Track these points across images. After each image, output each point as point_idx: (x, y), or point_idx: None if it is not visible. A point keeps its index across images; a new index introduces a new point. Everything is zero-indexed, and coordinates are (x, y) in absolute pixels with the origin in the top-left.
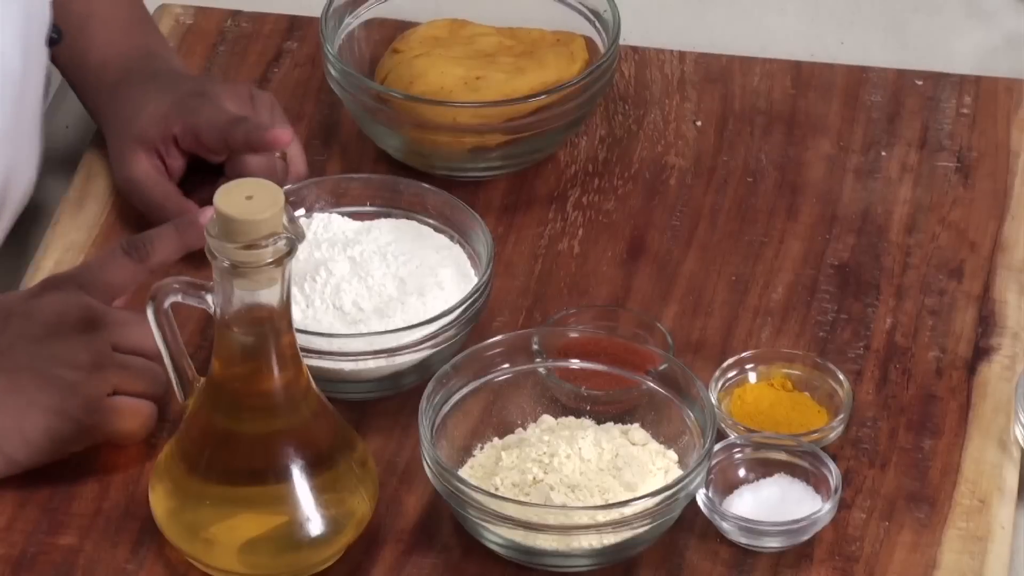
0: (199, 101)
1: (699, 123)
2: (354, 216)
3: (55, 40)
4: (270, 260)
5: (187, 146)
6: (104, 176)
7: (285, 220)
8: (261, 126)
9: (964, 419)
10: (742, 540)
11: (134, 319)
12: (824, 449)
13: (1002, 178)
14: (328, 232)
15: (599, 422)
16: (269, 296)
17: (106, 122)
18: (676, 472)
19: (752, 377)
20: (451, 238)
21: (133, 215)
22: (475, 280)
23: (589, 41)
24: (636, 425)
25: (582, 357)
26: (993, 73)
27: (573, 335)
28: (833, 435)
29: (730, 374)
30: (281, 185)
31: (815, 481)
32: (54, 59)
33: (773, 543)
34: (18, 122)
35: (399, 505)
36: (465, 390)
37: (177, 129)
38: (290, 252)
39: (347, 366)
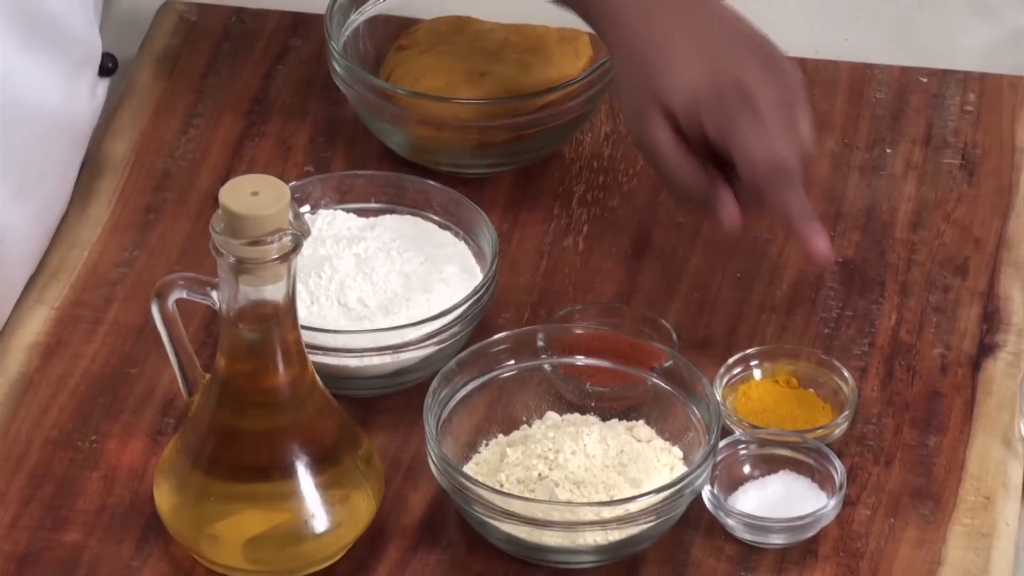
0: (740, 107)
1: None
2: (359, 213)
3: (111, 69)
4: (275, 256)
5: (715, 148)
6: (109, 174)
7: (290, 216)
8: (803, 217)
9: (969, 416)
10: (747, 536)
11: None
12: (829, 446)
13: (1007, 175)
14: (333, 229)
15: (604, 418)
16: (274, 292)
17: (617, 43)
18: (681, 468)
19: (757, 374)
20: (456, 235)
21: (139, 212)
22: (480, 277)
23: (594, 38)
24: (641, 422)
25: (587, 354)
26: (997, 70)
27: (578, 332)
28: (838, 432)
29: (735, 371)
30: None
31: (820, 478)
32: None
33: (778, 539)
34: (62, 162)
35: (404, 502)
36: (470, 387)
37: (709, 129)
38: (295, 248)
39: (352, 362)
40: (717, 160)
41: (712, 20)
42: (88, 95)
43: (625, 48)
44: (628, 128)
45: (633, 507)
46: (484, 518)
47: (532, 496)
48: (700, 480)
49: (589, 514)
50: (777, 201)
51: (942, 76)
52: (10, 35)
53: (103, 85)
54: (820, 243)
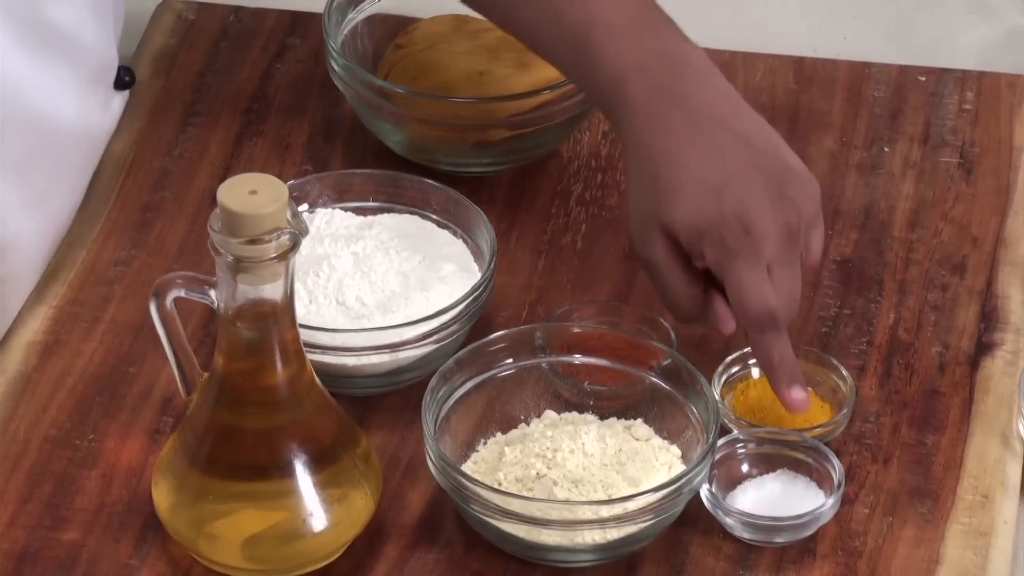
0: (741, 244)
1: None
2: (357, 211)
3: (128, 83)
4: (273, 255)
5: (711, 274)
6: (107, 173)
7: (288, 215)
8: (784, 369)
9: (967, 414)
10: (745, 535)
11: None
12: (827, 444)
13: (1004, 174)
14: (331, 227)
15: (602, 417)
16: (272, 291)
17: (632, 150)
18: (679, 467)
19: (755, 372)
20: (454, 233)
21: (137, 211)
22: (478, 275)
23: None
24: (639, 420)
25: (585, 352)
26: (995, 68)
27: (576, 330)
28: (836, 430)
29: (733, 369)
30: None
31: (818, 476)
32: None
33: (776, 538)
34: (73, 174)
35: (402, 500)
36: (468, 385)
37: (709, 260)
38: (293, 247)
39: (350, 361)
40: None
41: (728, 140)
42: (101, 107)
43: (638, 158)
44: (632, 237)
45: (631, 506)
46: (482, 517)
47: (530, 495)
48: (698, 479)
49: (587, 513)
50: (761, 347)
51: (940, 75)
52: (20, 46)
53: (119, 98)
54: (795, 395)
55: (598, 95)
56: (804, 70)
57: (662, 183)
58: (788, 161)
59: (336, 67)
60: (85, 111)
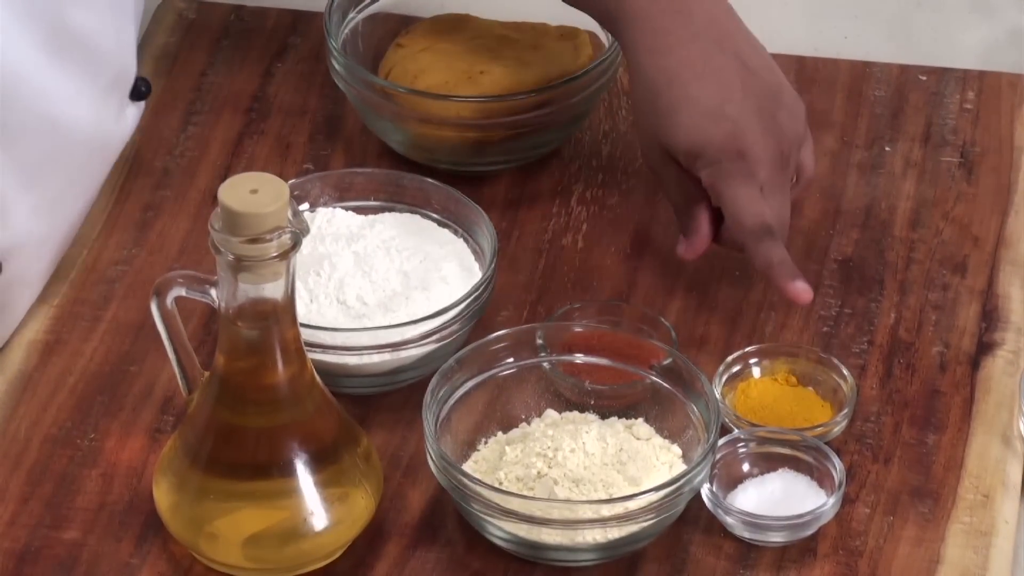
0: (736, 166)
1: None
2: (358, 210)
3: (144, 93)
4: (274, 254)
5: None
6: (110, 170)
7: (289, 214)
8: (784, 268)
9: (968, 414)
10: (746, 535)
11: None
12: (828, 444)
13: (1005, 173)
14: (332, 226)
15: (603, 416)
16: (273, 290)
17: (632, 67)
18: (680, 467)
19: (756, 372)
20: (455, 233)
21: (138, 210)
22: (479, 275)
23: (593, 36)
24: (640, 420)
25: (586, 352)
26: (997, 68)
27: (577, 330)
28: (837, 430)
29: (734, 369)
30: None
31: (819, 476)
32: None
33: (777, 538)
34: (85, 180)
35: (403, 500)
36: (469, 384)
37: (704, 180)
38: (294, 246)
39: (351, 360)
40: None
41: (725, 61)
42: (116, 116)
43: (639, 76)
44: (639, 145)
45: (632, 505)
46: (483, 516)
47: (531, 494)
48: (699, 478)
49: (588, 512)
50: (759, 255)
51: (941, 74)
52: (39, 48)
53: (135, 109)
54: (798, 285)
55: (601, 9)
56: (805, 69)
57: (662, 105)
58: (780, 81)
59: (337, 66)
60: (101, 119)
